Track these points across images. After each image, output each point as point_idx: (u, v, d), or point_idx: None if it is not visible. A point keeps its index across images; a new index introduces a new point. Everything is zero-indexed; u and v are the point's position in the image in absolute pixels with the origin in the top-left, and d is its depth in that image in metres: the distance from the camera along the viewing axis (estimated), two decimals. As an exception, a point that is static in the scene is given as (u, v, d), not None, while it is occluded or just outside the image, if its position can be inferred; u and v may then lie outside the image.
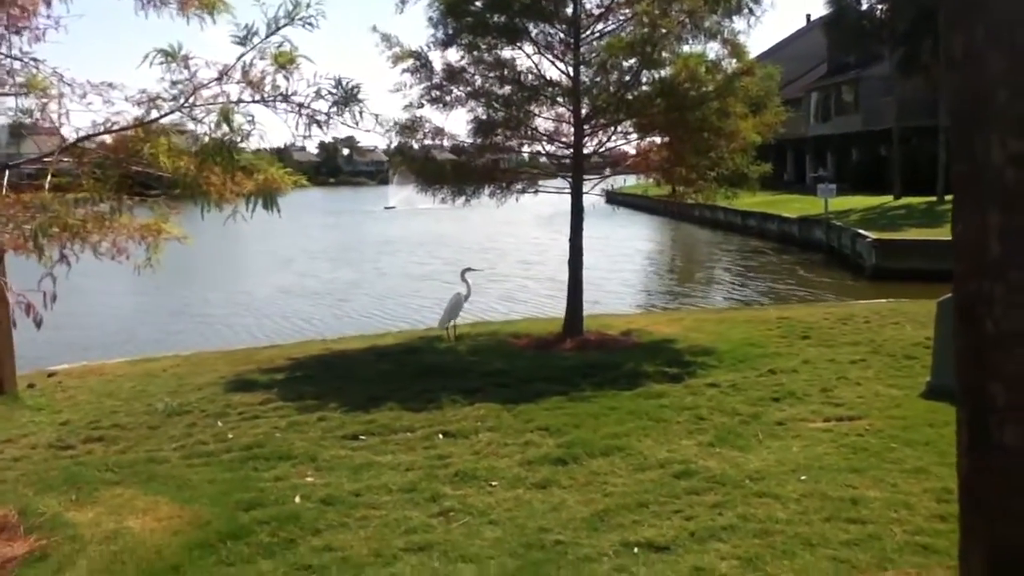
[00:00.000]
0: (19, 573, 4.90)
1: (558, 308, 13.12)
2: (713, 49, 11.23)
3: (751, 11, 10.78)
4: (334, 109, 4.61)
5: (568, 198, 11.81)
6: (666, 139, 11.95)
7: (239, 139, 4.47)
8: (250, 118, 4.48)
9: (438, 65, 11.48)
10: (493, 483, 6.22)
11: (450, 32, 11.18)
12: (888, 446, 6.69)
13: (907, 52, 34.03)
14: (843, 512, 5.41)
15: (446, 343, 11.61)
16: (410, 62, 11.29)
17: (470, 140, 11.91)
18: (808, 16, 60.14)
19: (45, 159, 4.57)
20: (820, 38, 46.26)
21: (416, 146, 11.89)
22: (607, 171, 13.77)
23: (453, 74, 11.34)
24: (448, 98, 11.64)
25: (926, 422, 7.17)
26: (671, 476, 6.19)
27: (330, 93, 4.60)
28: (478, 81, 11.48)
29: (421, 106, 11.53)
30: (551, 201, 13.95)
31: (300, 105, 4.61)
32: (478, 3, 10.99)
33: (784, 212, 36.06)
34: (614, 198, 61.02)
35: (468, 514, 5.66)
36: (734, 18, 10.85)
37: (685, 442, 6.99)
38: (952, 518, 3.78)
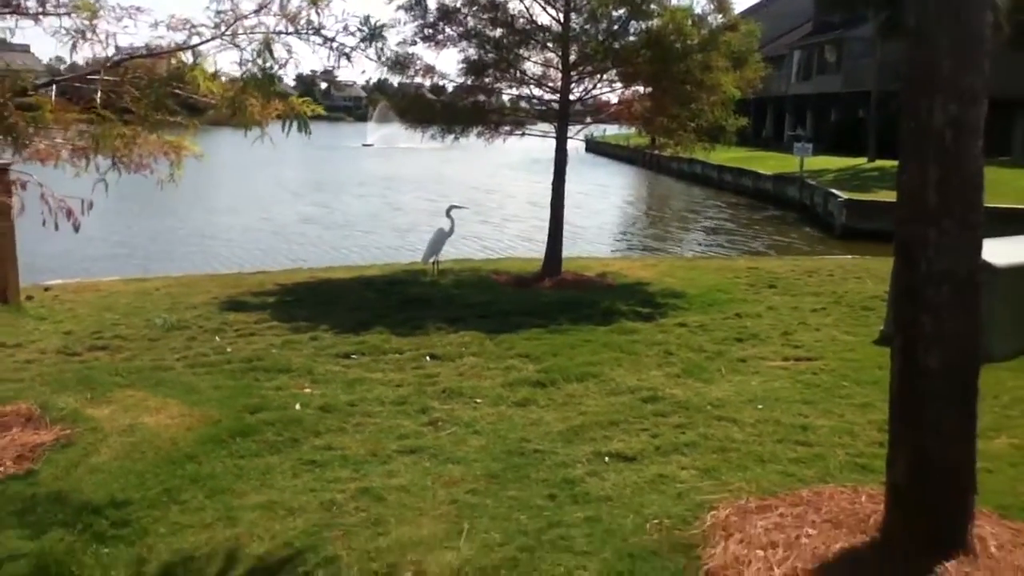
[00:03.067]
0: (49, 457, 5.38)
1: (537, 250, 13.60)
2: (700, 3, 11.65)
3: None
4: (362, 44, 5.03)
5: (551, 143, 12.23)
6: (649, 89, 12.36)
7: (277, 67, 4.88)
8: (289, 48, 4.89)
9: (432, 4, 11.76)
10: (477, 400, 6.76)
11: (445, -28, 11.44)
12: (839, 383, 7.30)
13: (890, 15, 34.36)
14: (793, 436, 6.01)
15: (429, 277, 12.08)
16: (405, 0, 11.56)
17: (460, 80, 12.25)
18: (796, -27, 59.98)
19: (90, 75, 4.95)
20: (806, -4, 46.49)
21: (408, 83, 12.20)
22: (590, 119, 14.18)
23: (447, 13, 11.62)
24: (440, 37, 11.94)
25: (876, 365, 7.76)
26: (640, 400, 6.77)
27: (359, 29, 5.02)
28: (470, 22, 11.77)
29: (414, 43, 11.83)
30: (531, 147, 14.33)
31: (330, 39, 5.03)
32: (472, -56, 11.26)
33: (760, 169, 36.59)
34: (593, 147, 61.21)
35: (455, 425, 6.21)
36: (722, -28, 11.22)
37: (654, 372, 7.56)
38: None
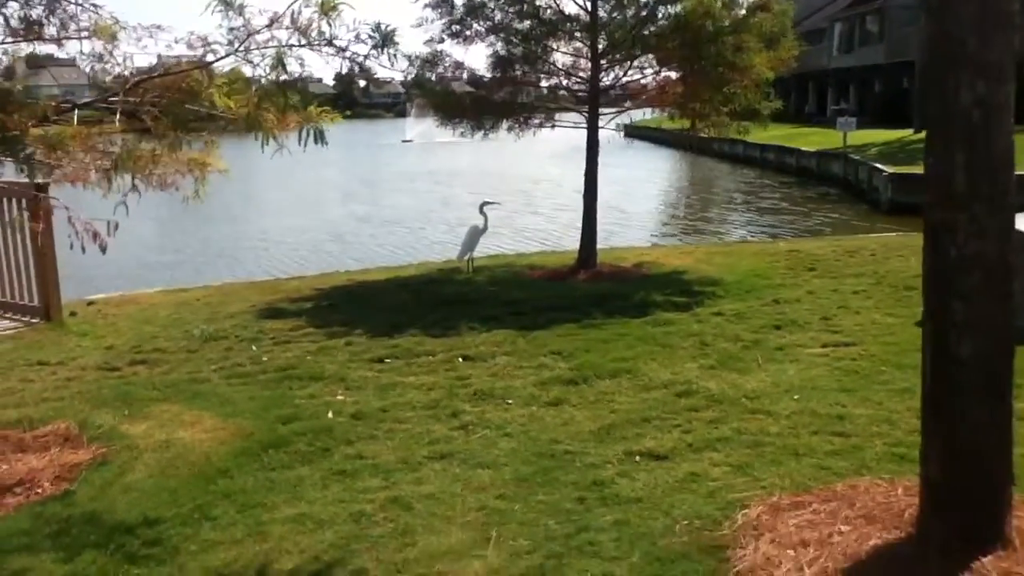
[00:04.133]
0: (86, 476, 5.47)
1: (573, 242, 13.53)
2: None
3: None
4: (373, 52, 5.04)
5: (584, 133, 12.15)
6: (681, 74, 12.21)
7: (292, 80, 4.93)
8: (301, 61, 4.93)
9: (459, 0, 11.74)
10: (509, 401, 6.74)
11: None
12: (879, 369, 7.14)
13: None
14: (830, 427, 5.89)
15: (464, 275, 12.09)
16: (433, -2, 11.56)
17: (489, 74, 12.22)
18: (833, -56, 58.81)
19: (111, 99, 5.01)
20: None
21: (435, 79, 12.21)
22: (624, 105, 14.06)
23: (473, 8, 11.60)
24: (468, 32, 11.92)
25: (917, 348, 7.31)
26: (673, 395, 6.69)
27: (370, 37, 5.03)
28: (498, 16, 11.74)
29: (442, 40, 11.84)
30: (567, 137, 14.26)
31: (342, 49, 5.05)
32: (498, -61, 11.21)
33: (803, 146, 36.05)
34: (632, 132, 60.81)
35: (486, 428, 6.18)
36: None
37: (688, 365, 7.46)
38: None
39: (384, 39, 4.95)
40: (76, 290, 11.32)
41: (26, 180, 5.51)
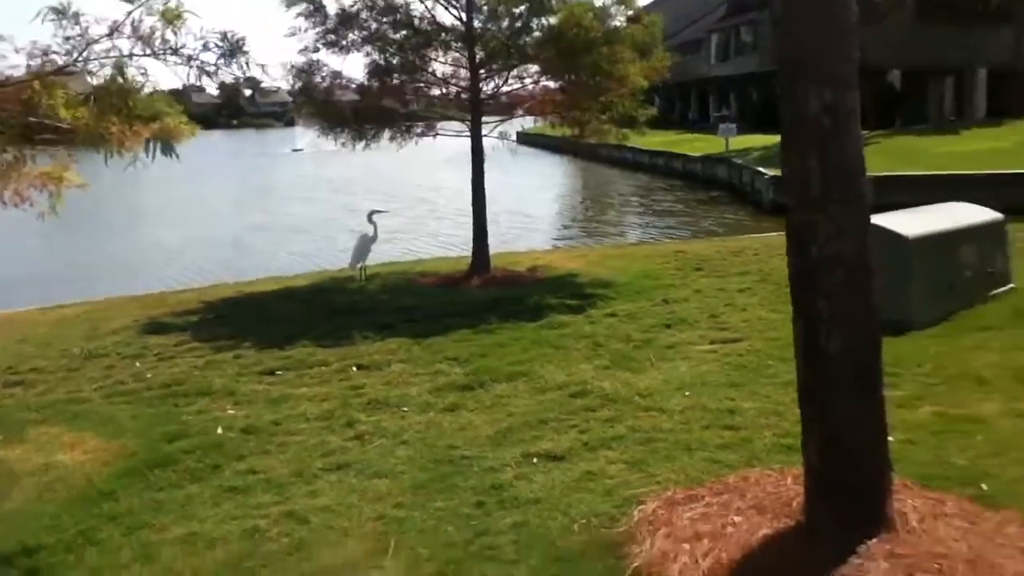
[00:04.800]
0: (-45, 508, 5.15)
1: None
2: (602, -3, 11.69)
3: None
4: (221, 61, 4.91)
5: (483, 141, 12.17)
6: (560, 83, 12.39)
7: (134, 90, 4.74)
8: (143, 71, 4.75)
9: (332, 9, 11.61)
10: (405, 409, 6.67)
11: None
12: (765, 363, 7.37)
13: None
14: (721, 421, 6.04)
15: (357, 283, 11.93)
16: (303, 6, 11.39)
17: (367, 83, 12.11)
18: (709, -44, 60.64)
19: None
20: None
21: (313, 89, 12.03)
22: (509, 113, 14.15)
23: (347, 18, 11.50)
24: (344, 42, 11.80)
25: None
26: (569, 396, 6.75)
27: (216, 46, 4.90)
28: (373, 26, 11.65)
29: (317, 50, 11.71)
30: (458, 144, 14.22)
31: (189, 58, 4.89)
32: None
33: (688, 151, 36.98)
34: (524, 139, 61.20)
35: (382, 437, 6.10)
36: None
37: (583, 366, 7.54)
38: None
39: (233, 48, 4.84)
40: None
41: None
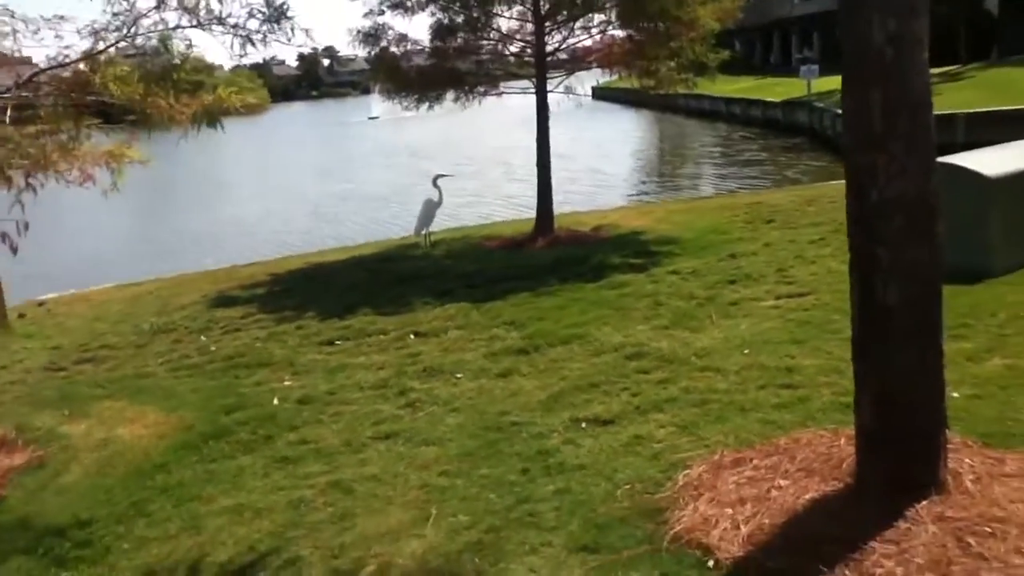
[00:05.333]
0: (19, 480, 5.35)
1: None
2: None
3: None
4: (266, 27, 4.86)
5: (551, 98, 11.96)
6: (627, 32, 12.05)
7: (179, 62, 4.75)
8: (188, 42, 4.75)
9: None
10: (458, 375, 6.64)
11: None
12: (830, 318, 7.06)
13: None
14: (778, 379, 5.82)
15: (422, 250, 11.95)
16: (366, -31, 11.31)
17: (432, 44, 12.00)
18: None
19: (2, 95, 4.83)
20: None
21: (380, 53, 11.98)
22: (575, 68, 13.87)
23: (410, -23, 11.37)
24: (409, 3, 11.68)
25: None
26: (624, 358, 6.60)
27: (261, 13, 4.85)
28: (438, -16, 11.51)
29: (381, 12, 11.60)
30: (531, 103, 13.98)
31: (234, 26, 4.86)
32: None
33: (768, 97, 35.91)
34: (601, 94, 60.51)
35: (434, 404, 6.09)
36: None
37: (641, 327, 7.38)
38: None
39: (278, 13, 4.78)
40: (42, 288, 11.17)
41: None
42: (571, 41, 12.44)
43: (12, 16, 5.05)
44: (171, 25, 4.75)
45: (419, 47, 12.30)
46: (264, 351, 7.71)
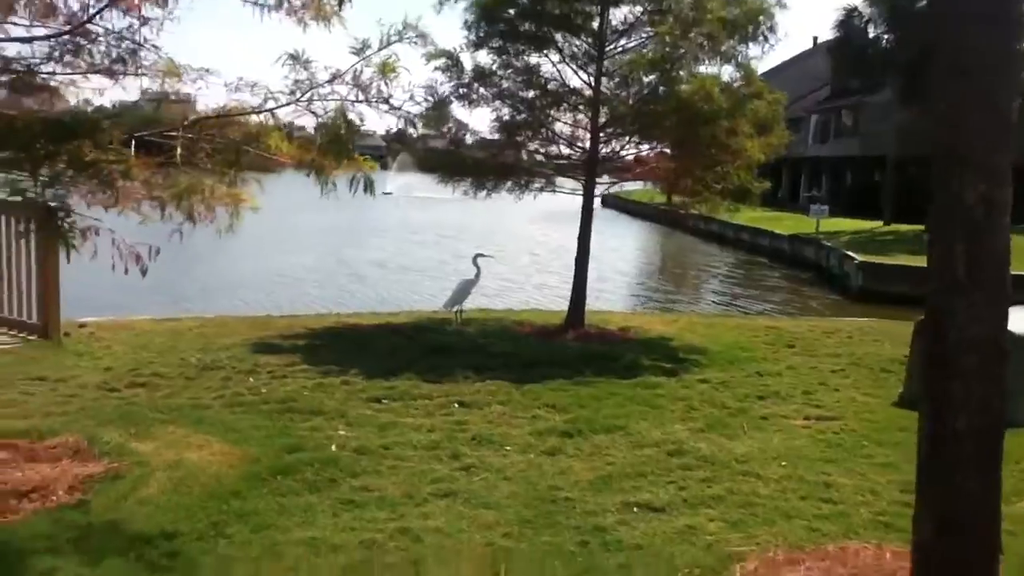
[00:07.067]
0: (100, 488, 5.59)
1: (559, 301, 13.82)
2: (727, 71, 12.01)
3: (766, 39, 11.53)
4: (426, 112, 5.43)
5: (563, 199, 12.56)
6: (676, 151, 12.71)
7: (351, 133, 5.25)
8: (360, 116, 5.26)
9: (468, 65, 12.18)
10: (507, 447, 6.95)
11: (482, 35, 11.85)
12: (860, 444, 7.45)
13: (907, 83, 34.87)
14: (817, 493, 6.16)
15: (453, 325, 12.30)
16: (442, 61, 11.95)
17: (492, 137, 12.62)
18: (815, 39, 60.85)
19: (168, 132, 5.27)
20: (825, 60, 47.07)
21: (444, 134, 12.59)
22: (620, 176, 14.55)
23: (482, 75, 12.02)
24: (475, 96, 12.33)
25: (897, 427, 7.91)
26: (665, 453, 6.93)
27: (425, 100, 5.42)
28: (505, 84, 12.18)
29: (449, 102, 12.20)
30: (544, 201, 14.54)
31: (397, 108, 5.41)
32: (511, 11, 11.68)
33: (776, 229, 36.91)
34: (611, 202, 61.71)
35: (486, 471, 6.38)
36: (749, 44, 11.59)
37: (678, 427, 7.72)
38: (913, 505, 4.53)
39: (439, 102, 5.32)
40: (77, 310, 11.38)
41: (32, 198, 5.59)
42: (622, 152, 13.08)
43: (177, 66, 5.52)
44: (342, 97, 5.26)
45: (477, 136, 12.92)
46: (314, 399, 7.99)
